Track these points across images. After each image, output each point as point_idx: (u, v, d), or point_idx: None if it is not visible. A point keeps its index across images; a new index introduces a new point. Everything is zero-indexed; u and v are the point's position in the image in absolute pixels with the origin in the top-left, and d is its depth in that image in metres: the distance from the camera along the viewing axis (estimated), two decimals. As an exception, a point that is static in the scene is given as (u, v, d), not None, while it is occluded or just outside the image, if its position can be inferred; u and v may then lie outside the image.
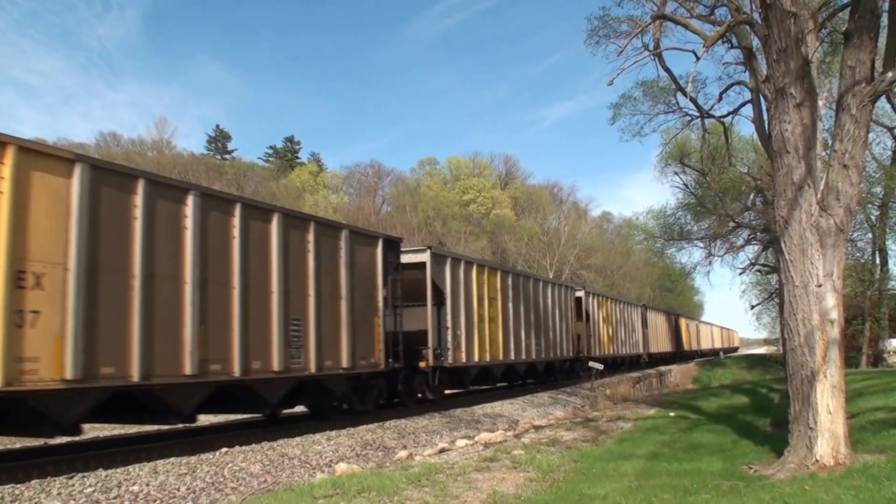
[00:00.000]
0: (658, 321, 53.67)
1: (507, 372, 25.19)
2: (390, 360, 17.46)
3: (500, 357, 23.71)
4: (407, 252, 19.71)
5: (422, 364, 19.17)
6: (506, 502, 8.50)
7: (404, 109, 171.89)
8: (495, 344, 23.45)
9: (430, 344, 19.50)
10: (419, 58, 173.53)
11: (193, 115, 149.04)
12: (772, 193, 25.20)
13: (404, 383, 18.94)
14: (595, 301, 36.73)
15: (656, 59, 14.98)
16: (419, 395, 20.10)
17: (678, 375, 45.56)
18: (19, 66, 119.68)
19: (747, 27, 11.62)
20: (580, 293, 35.02)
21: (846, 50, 9.65)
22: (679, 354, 62.36)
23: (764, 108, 11.95)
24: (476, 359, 21.96)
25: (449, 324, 20.41)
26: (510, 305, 24.99)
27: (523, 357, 25.72)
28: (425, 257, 19.90)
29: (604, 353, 36.00)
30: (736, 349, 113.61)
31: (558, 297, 30.70)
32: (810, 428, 9.31)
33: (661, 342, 53.79)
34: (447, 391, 21.89)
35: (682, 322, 66.13)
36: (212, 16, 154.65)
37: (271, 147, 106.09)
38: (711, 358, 71.27)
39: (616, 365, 39.68)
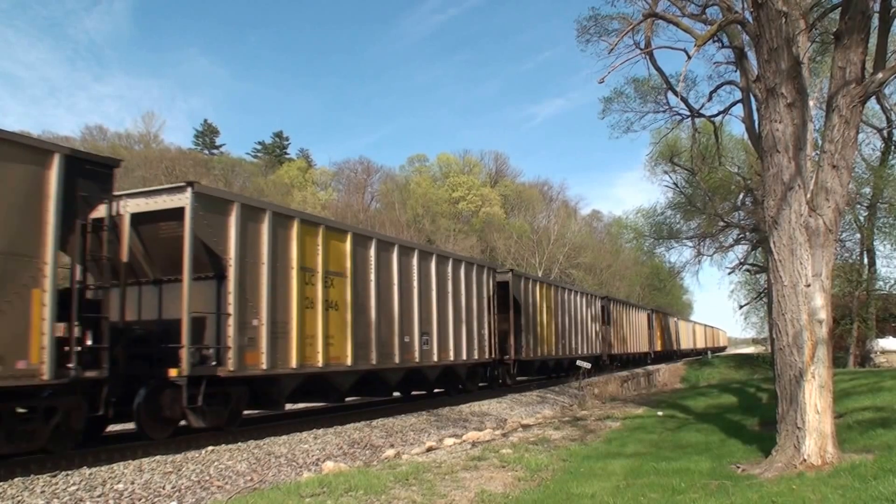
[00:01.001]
0: (631, 318, 49.31)
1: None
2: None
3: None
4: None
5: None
6: (494, 501, 8.46)
7: (394, 106, 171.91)
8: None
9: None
10: (409, 54, 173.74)
11: (181, 110, 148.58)
12: (761, 193, 25.27)
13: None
14: (529, 287, 29.09)
15: (647, 58, 15.00)
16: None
17: (666, 374, 45.66)
18: (5, 57, 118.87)
19: (738, 27, 11.63)
20: (505, 276, 27.28)
21: (837, 50, 9.64)
22: (661, 355, 58.83)
23: (754, 107, 11.97)
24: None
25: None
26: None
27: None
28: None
29: (540, 354, 29.64)
30: (724, 348, 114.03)
31: (471, 280, 23.38)
32: (798, 427, 9.31)
33: (633, 341, 48.67)
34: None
35: (658, 319, 60.70)
36: (201, 9, 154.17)
37: (260, 142, 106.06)
38: (699, 357, 71.45)
39: (560, 369, 33.63)
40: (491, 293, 24.81)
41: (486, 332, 24.05)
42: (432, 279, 20.65)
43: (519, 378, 28.47)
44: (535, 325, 29.00)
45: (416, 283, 19.71)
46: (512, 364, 26.81)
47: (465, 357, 22.42)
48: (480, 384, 24.88)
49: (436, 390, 22.80)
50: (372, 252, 17.84)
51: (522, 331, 27.43)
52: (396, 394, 21.49)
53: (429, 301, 20.40)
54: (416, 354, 19.35)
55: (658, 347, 57.48)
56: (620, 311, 45.74)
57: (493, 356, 24.49)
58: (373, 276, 17.76)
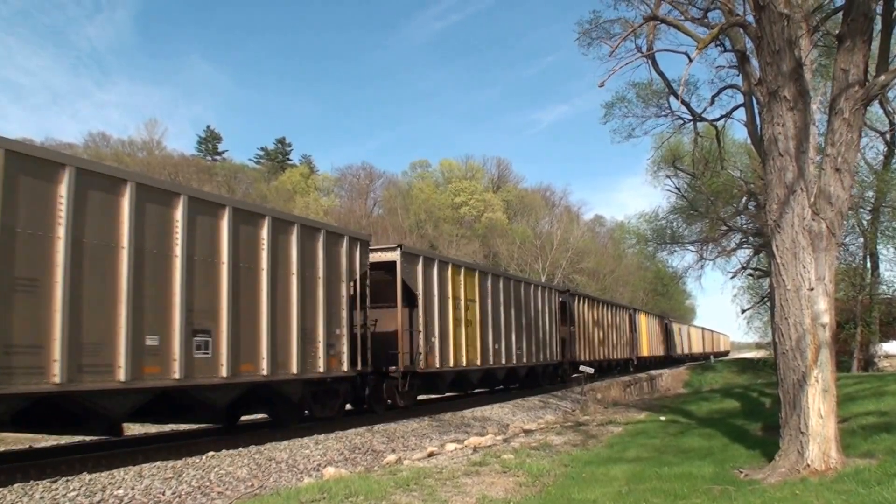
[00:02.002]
0: (605, 318, 40.64)
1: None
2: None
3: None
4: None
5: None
6: (495, 507, 8.41)
7: (396, 111, 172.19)
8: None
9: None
10: (411, 60, 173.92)
11: (184, 116, 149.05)
12: (764, 197, 25.22)
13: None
14: (432, 271, 21.11)
15: (649, 62, 14.95)
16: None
17: (669, 379, 45.55)
18: (8, 65, 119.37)
19: (740, 30, 11.58)
20: (390, 255, 19.79)
21: (839, 53, 9.62)
22: (649, 362, 52.38)
23: (757, 111, 11.91)
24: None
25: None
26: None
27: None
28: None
29: (452, 364, 21.53)
30: (726, 353, 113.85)
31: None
32: (801, 432, 9.26)
33: (607, 345, 40.59)
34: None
35: (645, 320, 52.74)
36: (203, 16, 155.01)
37: (262, 148, 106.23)
38: (702, 362, 71.27)
39: (492, 381, 26.42)
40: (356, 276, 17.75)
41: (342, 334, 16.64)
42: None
43: (419, 397, 21.62)
44: (443, 324, 21.05)
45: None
46: (400, 378, 19.02)
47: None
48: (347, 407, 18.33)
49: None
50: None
51: (421, 332, 19.61)
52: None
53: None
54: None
55: (643, 352, 50.01)
56: (587, 308, 36.84)
57: (359, 367, 17.15)
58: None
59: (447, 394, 24.14)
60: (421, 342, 19.58)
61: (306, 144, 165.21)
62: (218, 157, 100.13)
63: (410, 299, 19.74)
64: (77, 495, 9.27)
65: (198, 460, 11.57)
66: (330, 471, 11.27)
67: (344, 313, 16.58)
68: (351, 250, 17.07)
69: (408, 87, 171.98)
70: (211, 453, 12.10)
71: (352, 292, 17.27)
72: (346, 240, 16.97)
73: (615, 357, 42.02)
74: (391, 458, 12.89)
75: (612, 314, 42.57)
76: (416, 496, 8.99)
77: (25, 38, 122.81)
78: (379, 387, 18.82)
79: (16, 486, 9.32)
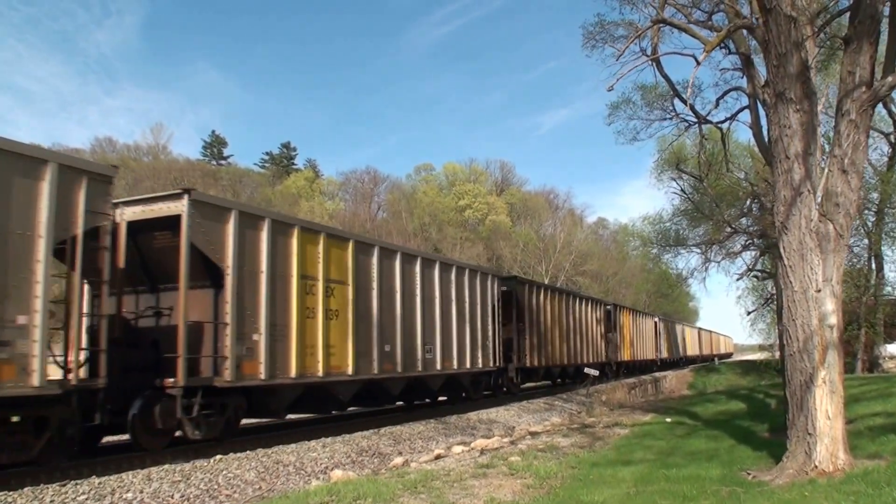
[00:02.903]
0: (574, 314, 34.36)
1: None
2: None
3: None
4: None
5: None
6: (503, 509, 8.42)
7: (400, 116, 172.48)
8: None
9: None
10: (415, 65, 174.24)
11: (189, 122, 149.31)
12: (769, 199, 25.19)
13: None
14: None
15: (654, 65, 14.97)
16: None
17: (673, 381, 45.50)
18: (17, 72, 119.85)
19: (745, 32, 11.61)
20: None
21: (846, 55, 9.64)
22: (634, 366, 46.48)
23: (762, 113, 11.94)
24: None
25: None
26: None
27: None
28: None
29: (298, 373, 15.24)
30: (730, 355, 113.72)
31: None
32: (809, 433, 9.26)
33: (581, 348, 34.95)
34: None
35: (628, 318, 46.07)
36: (210, 23, 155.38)
37: (267, 153, 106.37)
38: (706, 363, 71.15)
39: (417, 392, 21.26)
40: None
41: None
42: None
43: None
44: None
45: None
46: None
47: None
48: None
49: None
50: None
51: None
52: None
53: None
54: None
55: (625, 356, 44.35)
56: (544, 301, 30.35)
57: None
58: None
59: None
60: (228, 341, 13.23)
61: (311, 149, 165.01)
62: (223, 162, 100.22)
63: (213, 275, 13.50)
64: (86, 499, 9.31)
65: (205, 463, 11.60)
66: (337, 473, 11.30)
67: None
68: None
69: (411, 92, 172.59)
70: (218, 457, 12.13)
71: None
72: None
73: (583, 361, 34.93)
74: (398, 460, 12.90)
75: (580, 310, 35.62)
76: (424, 498, 9.01)
77: (35, 45, 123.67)
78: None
79: (26, 489, 9.36)
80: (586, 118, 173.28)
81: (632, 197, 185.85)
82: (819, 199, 9.66)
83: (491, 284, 24.53)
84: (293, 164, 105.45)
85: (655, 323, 54.65)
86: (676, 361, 62.68)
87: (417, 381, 19.70)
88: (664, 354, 56.62)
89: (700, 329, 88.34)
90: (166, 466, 11.17)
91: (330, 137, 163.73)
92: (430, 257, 21.88)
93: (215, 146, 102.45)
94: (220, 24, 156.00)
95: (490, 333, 23.90)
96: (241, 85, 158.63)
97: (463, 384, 22.66)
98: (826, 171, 9.82)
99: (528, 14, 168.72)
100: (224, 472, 11.16)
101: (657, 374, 46.12)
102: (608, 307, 41.62)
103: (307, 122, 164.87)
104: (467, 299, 22.42)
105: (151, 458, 11.81)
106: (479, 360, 22.96)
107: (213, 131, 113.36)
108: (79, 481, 9.93)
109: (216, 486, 10.54)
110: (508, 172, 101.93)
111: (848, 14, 10.38)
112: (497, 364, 24.26)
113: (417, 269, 19.73)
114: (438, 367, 20.35)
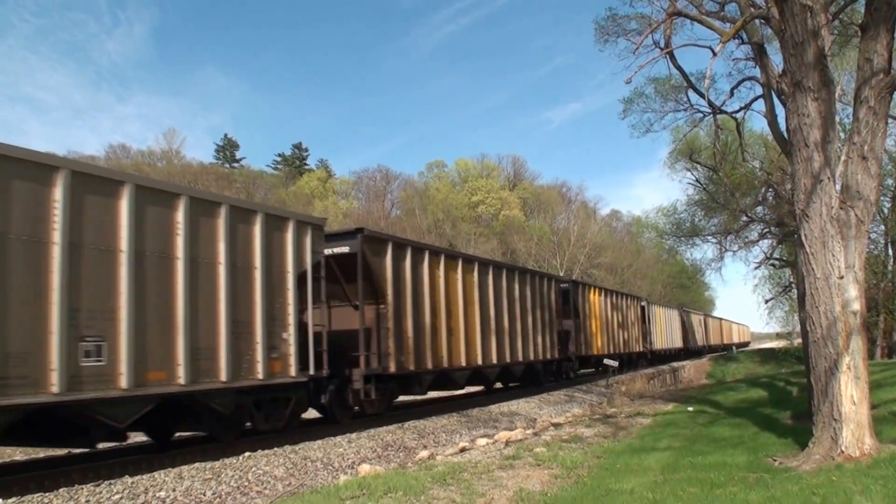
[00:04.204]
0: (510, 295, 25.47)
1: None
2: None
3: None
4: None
5: None
6: (533, 499, 8.50)
7: (410, 114, 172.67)
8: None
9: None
10: (423, 64, 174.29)
11: (201, 126, 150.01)
12: (784, 188, 25.17)
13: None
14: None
15: (668, 57, 15.00)
16: None
17: (692, 371, 45.47)
18: (29, 82, 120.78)
19: (759, 22, 11.65)
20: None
21: (862, 42, 9.67)
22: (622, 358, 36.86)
23: (776, 102, 11.97)
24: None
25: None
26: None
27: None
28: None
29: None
30: (747, 344, 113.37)
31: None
32: (834, 419, 9.31)
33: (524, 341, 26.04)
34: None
35: (614, 304, 37.33)
36: (218, 29, 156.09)
37: (280, 154, 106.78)
38: (724, 353, 70.94)
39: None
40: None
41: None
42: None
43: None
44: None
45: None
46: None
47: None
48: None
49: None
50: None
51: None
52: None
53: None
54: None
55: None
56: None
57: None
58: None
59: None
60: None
61: (323, 149, 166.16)
62: (236, 165, 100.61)
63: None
64: (121, 498, 9.43)
65: (235, 461, 11.73)
66: (365, 468, 11.41)
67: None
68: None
69: (420, 90, 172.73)
70: (247, 454, 12.26)
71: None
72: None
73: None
74: (424, 454, 13.00)
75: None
76: (453, 490, 9.10)
77: (46, 56, 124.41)
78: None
79: (61, 490, 9.48)
80: (597, 112, 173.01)
81: (644, 188, 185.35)
82: (839, 187, 9.70)
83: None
84: (305, 164, 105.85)
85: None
86: (693, 351, 62.54)
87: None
88: (681, 344, 56.74)
89: (717, 318, 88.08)
90: (197, 464, 11.29)
91: (341, 137, 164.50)
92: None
93: (228, 149, 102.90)
94: (229, 29, 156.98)
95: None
96: (251, 88, 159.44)
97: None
98: (844, 158, 9.87)
99: (534, 11, 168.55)
100: (253, 469, 11.28)
101: (675, 364, 46.10)
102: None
103: (318, 122, 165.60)
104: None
105: (181, 456, 11.97)
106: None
107: (226, 134, 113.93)
108: (112, 481, 10.05)
109: (246, 483, 10.66)
110: (520, 167, 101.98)
111: (863, 1, 10.39)
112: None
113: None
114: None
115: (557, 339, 28.05)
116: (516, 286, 24.36)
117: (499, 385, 26.05)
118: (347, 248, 16.54)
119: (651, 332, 44.89)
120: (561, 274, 63.52)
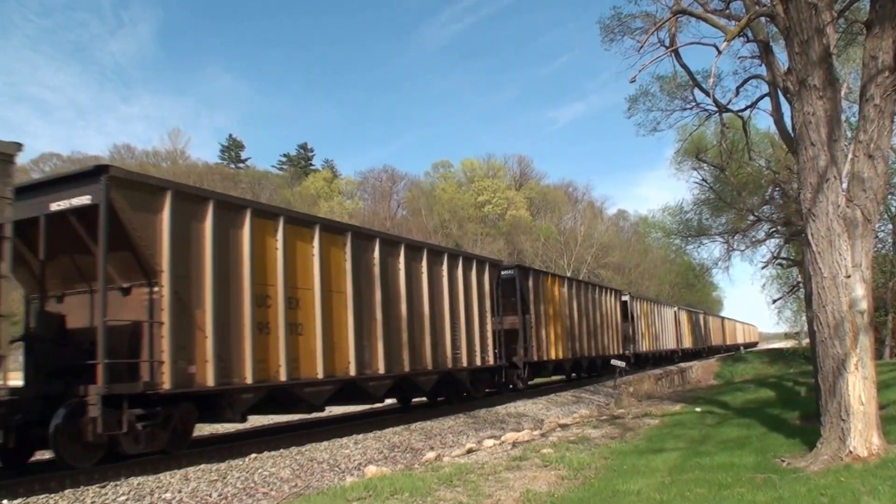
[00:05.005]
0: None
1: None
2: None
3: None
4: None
5: None
6: (540, 500, 8.49)
7: (415, 114, 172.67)
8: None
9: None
10: (428, 63, 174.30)
11: (206, 126, 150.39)
12: (791, 187, 25.06)
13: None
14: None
15: (673, 56, 14.95)
16: None
17: (700, 371, 45.36)
18: (34, 83, 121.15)
19: (764, 20, 11.59)
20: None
21: (868, 39, 9.62)
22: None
23: (782, 100, 11.92)
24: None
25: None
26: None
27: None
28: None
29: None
30: (755, 344, 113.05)
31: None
32: (842, 419, 9.27)
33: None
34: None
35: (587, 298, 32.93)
36: (222, 29, 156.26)
37: (285, 155, 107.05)
38: (732, 353, 70.76)
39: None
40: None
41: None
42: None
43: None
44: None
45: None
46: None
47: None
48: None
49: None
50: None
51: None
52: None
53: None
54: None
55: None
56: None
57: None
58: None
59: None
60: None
61: (328, 149, 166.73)
62: (241, 165, 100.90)
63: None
64: (126, 499, 9.44)
65: (241, 462, 11.74)
66: (372, 469, 11.39)
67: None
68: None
69: (425, 90, 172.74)
70: (253, 455, 12.26)
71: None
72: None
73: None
74: (430, 455, 12.99)
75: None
76: (460, 492, 9.09)
77: (51, 56, 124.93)
78: None
79: (66, 492, 9.51)
80: (602, 111, 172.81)
81: (650, 188, 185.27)
82: (845, 185, 9.65)
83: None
84: (311, 164, 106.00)
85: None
86: (700, 351, 62.31)
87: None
88: (687, 344, 56.15)
89: (725, 318, 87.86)
90: (203, 466, 11.30)
91: (346, 137, 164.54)
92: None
93: (233, 149, 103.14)
94: (233, 28, 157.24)
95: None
96: (256, 88, 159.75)
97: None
98: (850, 156, 9.81)
99: (538, 9, 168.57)
100: (259, 471, 11.29)
101: (682, 365, 45.91)
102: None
103: (323, 122, 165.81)
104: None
105: (187, 458, 11.97)
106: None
107: (231, 135, 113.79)
108: (118, 482, 10.07)
109: (252, 485, 10.67)
110: (526, 167, 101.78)
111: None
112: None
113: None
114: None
115: (498, 341, 22.60)
116: (423, 269, 18.86)
117: (407, 401, 21.29)
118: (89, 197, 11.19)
119: (636, 332, 39.88)
120: (568, 274, 63.32)
